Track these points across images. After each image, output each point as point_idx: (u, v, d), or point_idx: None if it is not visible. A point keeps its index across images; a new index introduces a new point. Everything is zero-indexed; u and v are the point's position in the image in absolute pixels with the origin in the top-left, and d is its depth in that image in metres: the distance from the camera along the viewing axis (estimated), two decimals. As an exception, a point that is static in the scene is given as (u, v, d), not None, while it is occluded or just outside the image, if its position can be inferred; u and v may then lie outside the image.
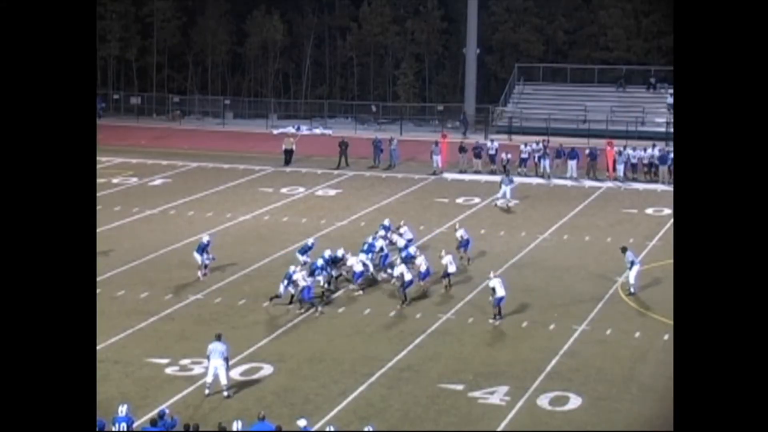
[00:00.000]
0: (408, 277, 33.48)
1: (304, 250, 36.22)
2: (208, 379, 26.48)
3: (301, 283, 32.49)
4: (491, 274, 32.81)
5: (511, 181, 48.13)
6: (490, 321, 32.02)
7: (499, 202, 47.48)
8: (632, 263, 35.13)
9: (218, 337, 27.08)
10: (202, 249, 36.36)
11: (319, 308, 32.64)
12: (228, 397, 26.23)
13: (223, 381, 26.38)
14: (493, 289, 32.07)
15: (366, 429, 22.29)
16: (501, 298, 32.10)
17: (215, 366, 26.38)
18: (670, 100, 65.88)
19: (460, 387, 27.11)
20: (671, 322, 31.25)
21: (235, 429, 22.30)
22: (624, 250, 35.80)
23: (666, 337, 30.71)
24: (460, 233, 38.13)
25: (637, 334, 31.32)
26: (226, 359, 26.51)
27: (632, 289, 34.88)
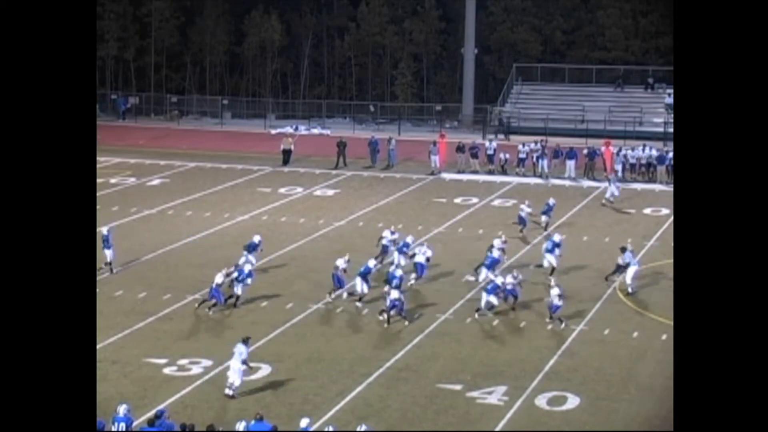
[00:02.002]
0: (395, 295, 31.96)
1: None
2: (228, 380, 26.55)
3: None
4: (552, 282, 32.77)
5: (617, 181, 49.28)
6: (562, 326, 31.60)
7: (608, 200, 47.92)
8: (628, 264, 35.16)
9: (243, 341, 27.03)
10: (253, 248, 36.33)
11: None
12: (232, 396, 26.17)
13: (237, 382, 26.32)
14: (559, 296, 31.88)
15: (360, 429, 22.24)
16: (558, 307, 31.87)
17: (232, 367, 26.46)
18: (668, 100, 65.89)
19: (458, 387, 27.11)
20: (669, 322, 31.26)
21: (238, 429, 22.38)
22: (623, 250, 35.84)
23: (664, 337, 30.73)
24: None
25: (636, 334, 31.33)
26: (245, 362, 26.47)
27: (630, 289, 34.89)
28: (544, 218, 42.90)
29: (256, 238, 36.97)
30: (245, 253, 36.07)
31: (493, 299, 32.26)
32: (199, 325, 31.79)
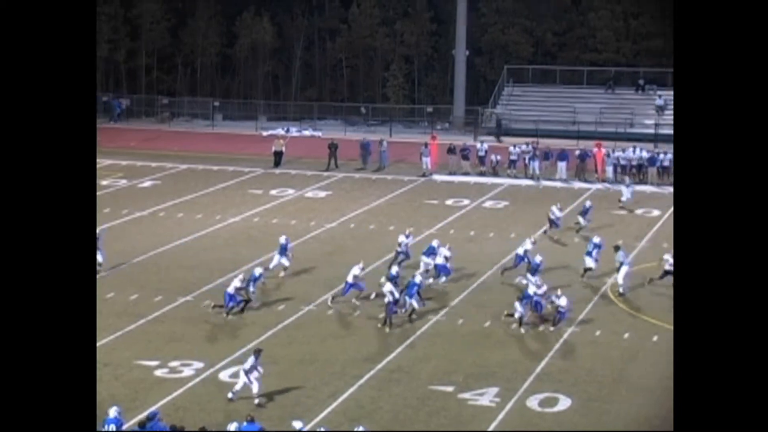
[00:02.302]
0: (388, 287, 32.12)
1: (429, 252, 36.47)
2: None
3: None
4: (559, 291, 32.40)
5: (631, 184, 49.14)
6: (552, 329, 31.56)
7: (623, 203, 47.97)
8: (621, 264, 35.21)
9: (255, 352, 26.80)
10: (284, 250, 36.34)
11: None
12: (259, 405, 25.91)
13: (254, 389, 26.03)
14: (562, 311, 31.70)
15: (357, 429, 22.28)
16: (564, 313, 31.79)
17: (241, 375, 26.38)
18: (659, 101, 66.20)
19: (450, 388, 27.11)
20: (661, 323, 31.41)
21: (229, 430, 22.41)
22: (617, 249, 35.92)
23: (655, 338, 30.78)
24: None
25: (627, 335, 31.35)
26: (246, 372, 26.22)
27: (621, 290, 34.93)
28: (582, 220, 42.92)
29: (282, 239, 36.97)
30: (276, 254, 36.28)
31: (520, 308, 31.73)
32: (190, 327, 31.74)
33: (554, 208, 42.69)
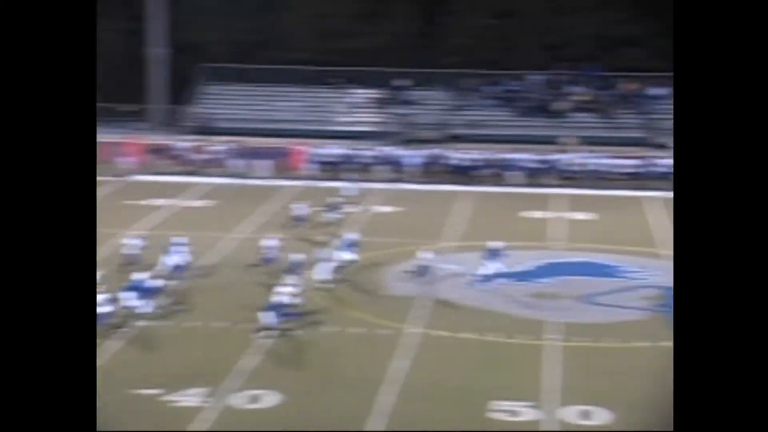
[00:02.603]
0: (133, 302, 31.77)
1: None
2: None
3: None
4: (287, 289, 32.23)
5: (343, 180, 50.30)
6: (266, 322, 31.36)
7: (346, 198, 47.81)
8: (329, 258, 36.00)
9: None
10: None
11: None
12: None
13: None
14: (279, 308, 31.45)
15: None
16: (292, 314, 31.51)
17: None
18: (351, 99, 68.35)
19: (155, 391, 26.74)
20: (366, 317, 32.27)
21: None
22: (323, 244, 36.64)
23: (362, 329, 31.48)
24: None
25: (334, 329, 31.83)
26: None
27: (327, 285, 35.49)
28: (331, 216, 43.25)
29: None
30: None
31: (271, 317, 31.13)
32: None
33: (299, 204, 43.07)
